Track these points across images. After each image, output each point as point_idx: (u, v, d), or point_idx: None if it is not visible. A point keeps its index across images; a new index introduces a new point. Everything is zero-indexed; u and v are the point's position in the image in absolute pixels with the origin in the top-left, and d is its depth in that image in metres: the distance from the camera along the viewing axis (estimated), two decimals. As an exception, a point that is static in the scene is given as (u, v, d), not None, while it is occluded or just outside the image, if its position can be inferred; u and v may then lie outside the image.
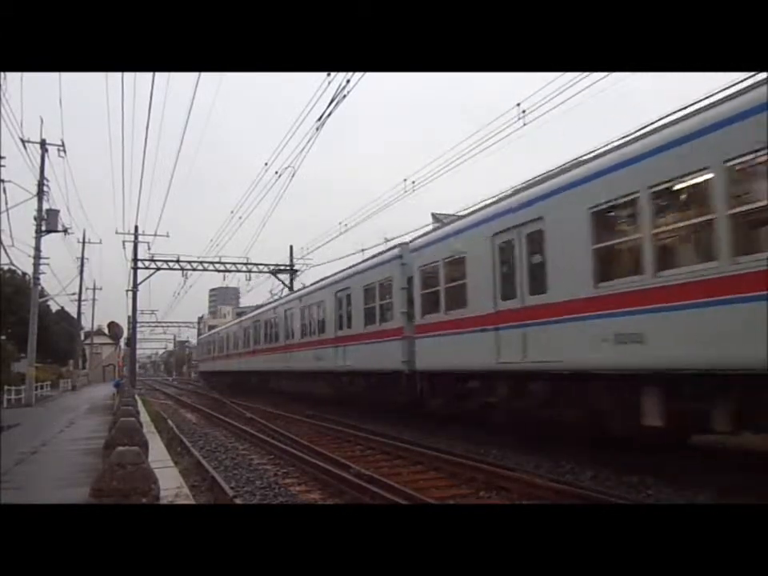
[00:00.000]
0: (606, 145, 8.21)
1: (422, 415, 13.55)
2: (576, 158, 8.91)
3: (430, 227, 14.37)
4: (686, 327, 6.49)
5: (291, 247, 37.38)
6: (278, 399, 23.47)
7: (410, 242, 13.43)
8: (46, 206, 23.44)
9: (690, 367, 6.43)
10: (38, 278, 24.20)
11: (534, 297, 9.09)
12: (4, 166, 19.75)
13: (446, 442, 10.91)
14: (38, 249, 23.80)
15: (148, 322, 67.60)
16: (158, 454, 7.93)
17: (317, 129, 14.62)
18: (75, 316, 42.47)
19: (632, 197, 7.26)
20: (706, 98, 6.92)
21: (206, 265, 35.46)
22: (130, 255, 35.55)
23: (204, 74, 15.60)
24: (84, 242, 38.88)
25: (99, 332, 60.96)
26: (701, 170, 6.52)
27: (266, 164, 20.50)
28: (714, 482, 6.69)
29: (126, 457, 2.64)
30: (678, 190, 7.00)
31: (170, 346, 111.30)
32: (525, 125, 12.98)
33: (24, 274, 29.43)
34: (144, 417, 13.30)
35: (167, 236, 39.17)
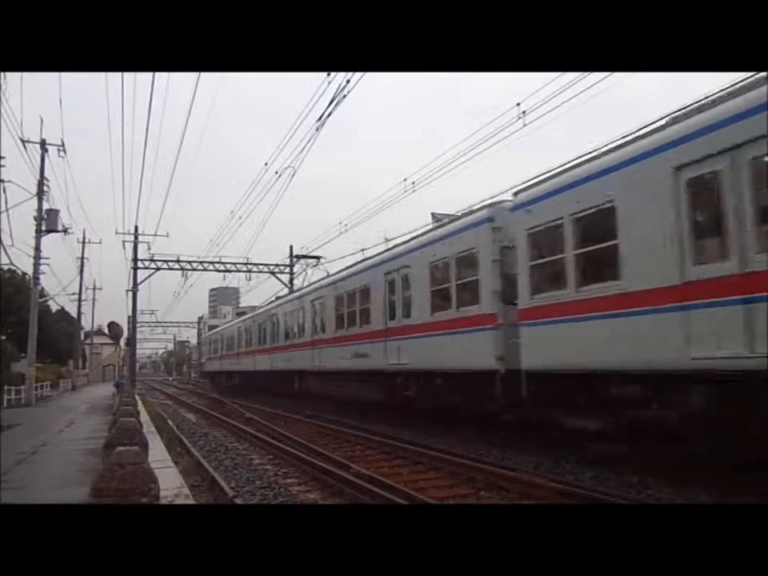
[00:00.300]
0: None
1: (528, 428, 10.16)
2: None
3: (430, 227, 13.93)
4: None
5: (291, 247, 37.38)
6: (291, 401, 23.38)
7: (511, 197, 10.02)
8: (46, 205, 23.45)
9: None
10: (38, 278, 24.20)
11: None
12: (4, 166, 19.75)
13: (446, 442, 10.91)
14: (38, 249, 23.79)
15: (148, 322, 67.74)
16: (158, 454, 7.93)
17: (317, 129, 14.64)
18: (75, 316, 42.48)
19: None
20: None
21: (205, 265, 35.47)
22: (130, 255, 35.60)
23: (204, 74, 15.63)
24: (84, 242, 38.91)
25: (99, 332, 61.02)
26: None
27: (266, 164, 20.51)
28: (714, 482, 6.69)
29: (125, 457, 2.64)
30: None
31: (170, 346, 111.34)
32: (525, 125, 12.97)
33: (24, 273, 29.43)
34: (144, 417, 13.29)
35: (167, 236, 39.27)
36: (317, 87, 15.13)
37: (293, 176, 19.47)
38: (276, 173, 20.00)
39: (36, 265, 23.84)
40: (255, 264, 36.41)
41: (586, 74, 10.68)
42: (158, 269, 34.84)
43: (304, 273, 27.38)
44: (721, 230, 6.43)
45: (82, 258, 39.06)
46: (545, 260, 9.00)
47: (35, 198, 22.97)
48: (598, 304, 7.89)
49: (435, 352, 11.74)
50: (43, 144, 23.30)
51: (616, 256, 7.67)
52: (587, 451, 8.65)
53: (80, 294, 39.79)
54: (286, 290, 33.62)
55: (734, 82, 6.63)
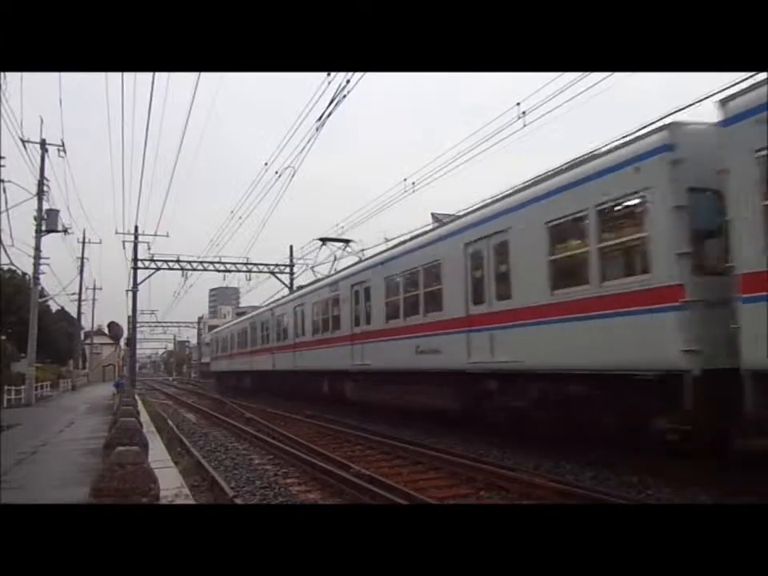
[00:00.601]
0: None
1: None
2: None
3: (430, 227, 13.87)
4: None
5: (291, 247, 37.41)
6: (291, 401, 23.29)
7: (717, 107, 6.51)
8: (46, 205, 23.45)
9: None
10: (38, 278, 24.20)
11: None
12: (4, 166, 19.75)
13: (446, 442, 10.91)
14: (38, 249, 23.80)
15: (148, 322, 67.79)
16: (157, 454, 7.93)
17: (317, 129, 14.63)
18: (75, 316, 42.49)
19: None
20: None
21: (205, 265, 35.49)
22: (130, 255, 35.57)
23: (204, 74, 15.64)
24: (84, 242, 38.90)
25: (99, 332, 61.04)
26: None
27: (266, 164, 20.50)
28: (714, 482, 6.69)
29: (125, 457, 2.64)
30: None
31: (170, 346, 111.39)
32: (525, 125, 12.95)
33: (24, 273, 29.43)
34: (144, 417, 13.29)
35: (167, 236, 39.23)
36: (317, 87, 15.11)
37: (293, 176, 19.48)
38: (276, 173, 20.01)
39: (36, 265, 23.84)
40: (255, 264, 36.46)
41: (585, 73, 10.68)
42: (157, 269, 34.85)
43: (333, 258, 22.51)
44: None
45: (82, 258, 39.11)
46: None
47: (35, 198, 23.00)
48: None
49: (560, 345, 8.35)
50: (43, 144, 23.31)
51: None
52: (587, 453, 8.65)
53: (80, 294, 39.84)
54: (292, 289, 33.63)
55: (734, 82, 6.63)
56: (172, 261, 34.84)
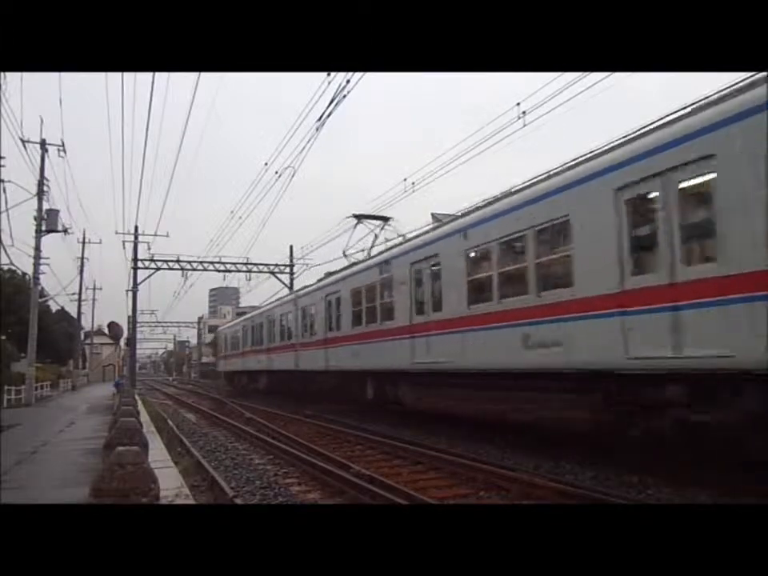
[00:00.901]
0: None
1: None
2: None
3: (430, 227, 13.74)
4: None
5: (291, 247, 37.42)
6: (290, 401, 23.26)
7: None
8: (46, 205, 23.46)
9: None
10: (38, 278, 24.21)
11: None
12: (4, 166, 19.76)
13: (446, 442, 10.91)
14: (38, 249, 23.80)
15: (148, 322, 67.78)
16: (157, 454, 7.93)
17: (317, 129, 14.63)
18: (75, 316, 42.50)
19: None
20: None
21: (205, 265, 35.49)
22: (130, 255, 35.59)
23: (204, 74, 15.63)
24: (84, 242, 38.93)
25: (99, 332, 61.03)
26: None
27: (266, 164, 20.50)
28: (714, 482, 6.69)
29: (125, 457, 2.64)
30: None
31: (170, 346, 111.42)
32: (525, 125, 12.94)
33: (24, 273, 29.44)
34: (144, 417, 13.30)
35: (167, 236, 39.19)
36: (317, 87, 15.09)
37: (293, 176, 19.46)
38: (276, 173, 20.00)
39: (36, 265, 23.85)
40: (255, 264, 36.47)
41: (586, 73, 10.68)
42: (158, 269, 34.85)
43: (373, 235, 18.42)
44: None
45: (82, 258, 39.12)
46: None
47: (35, 198, 23.01)
48: None
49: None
50: (43, 144, 23.32)
51: None
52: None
53: (80, 294, 39.86)
54: (292, 289, 33.59)
55: (734, 82, 6.63)
56: (172, 261, 34.86)
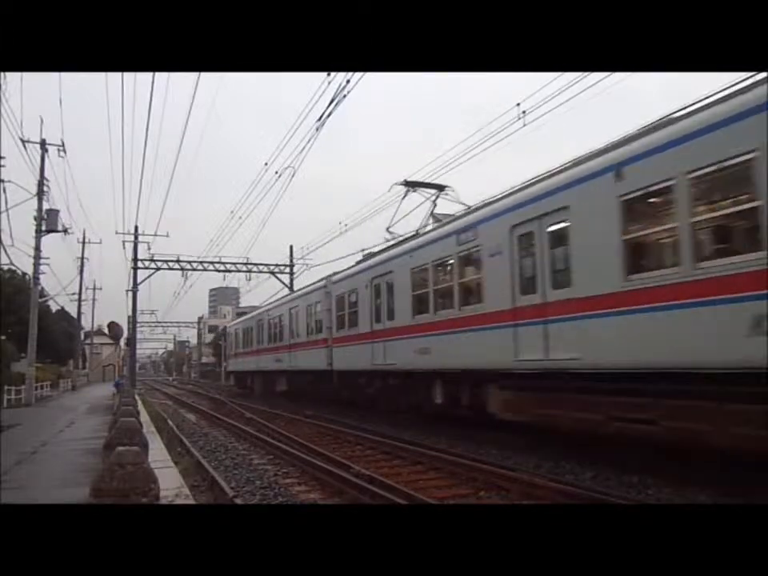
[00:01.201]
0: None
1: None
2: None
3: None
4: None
5: (291, 247, 37.43)
6: (279, 401, 23.20)
7: None
8: (46, 205, 23.45)
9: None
10: (38, 278, 24.20)
11: None
12: (4, 166, 19.75)
13: (446, 442, 10.91)
14: (38, 249, 23.80)
15: (148, 322, 67.79)
16: (157, 454, 7.93)
17: (317, 129, 14.63)
18: (75, 316, 42.49)
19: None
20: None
21: (205, 265, 35.50)
22: (130, 255, 35.60)
23: (204, 74, 15.65)
24: (84, 242, 38.91)
25: (99, 332, 61.04)
26: None
27: (266, 164, 20.51)
28: (714, 482, 6.69)
29: (125, 457, 2.64)
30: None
31: (170, 346, 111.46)
32: (525, 125, 12.94)
33: (24, 273, 29.45)
34: (144, 417, 13.30)
35: (167, 236, 39.22)
36: (317, 87, 15.09)
37: (293, 176, 19.49)
38: (276, 173, 20.02)
39: (36, 265, 23.84)
40: (255, 264, 36.48)
41: (586, 73, 10.68)
42: (157, 269, 34.86)
43: (432, 205, 14.58)
44: None
45: (82, 258, 39.11)
46: None
47: (35, 198, 23.00)
48: None
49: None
50: (43, 144, 23.31)
51: None
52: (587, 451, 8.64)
53: (80, 294, 39.85)
54: (292, 289, 33.56)
55: (734, 82, 6.62)
56: (172, 261, 34.87)
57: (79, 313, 41.72)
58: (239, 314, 41.07)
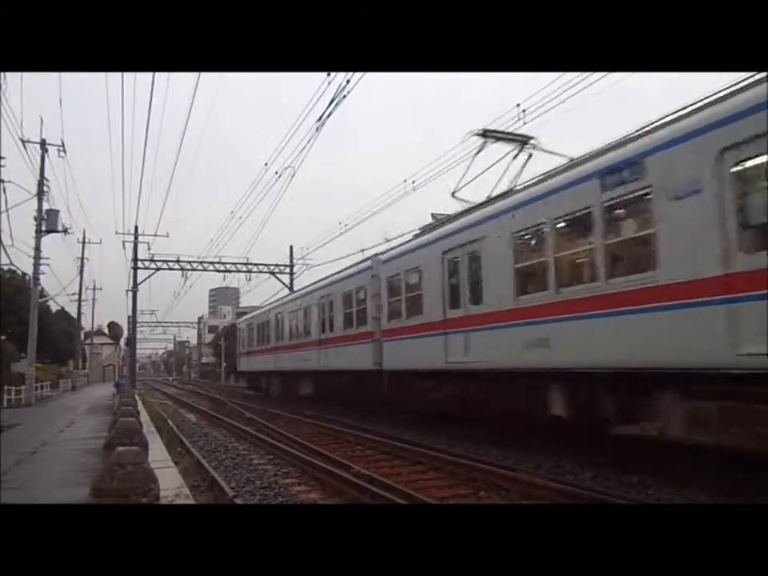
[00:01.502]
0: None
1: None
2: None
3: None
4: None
5: (291, 247, 37.43)
6: (277, 401, 23.13)
7: None
8: (46, 206, 23.46)
9: None
10: (38, 278, 24.21)
11: None
12: (4, 166, 19.75)
13: (446, 442, 10.91)
14: (38, 249, 23.80)
15: (148, 322, 67.80)
16: (157, 454, 7.93)
17: (317, 129, 14.63)
18: (75, 316, 42.49)
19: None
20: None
21: (205, 265, 35.52)
22: (130, 255, 35.60)
23: (204, 74, 15.65)
24: (84, 242, 38.93)
25: (99, 332, 61.07)
26: None
27: (266, 164, 20.53)
28: (714, 482, 6.69)
29: (125, 457, 2.64)
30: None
31: (170, 346, 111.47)
32: (525, 124, 12.91)
33: (24, 274, 29.45)
34: (144, 417, 13.30)
35: (167, 236, 39.24)
36: (317, 87, 15.09)
37: (293, 176, 19.50)
38: (276, 173, 20.04)
39: (36, 265, 23.85)
40: (255, 264, 36.49)
41: (585, 73, 10.68)
42: (157, 269, 34.88)
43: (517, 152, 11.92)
44: None
45: (82, 258, 39.12)
46: None
47: (35, 198, 23.01)
48: None
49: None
50: (43, 144, 23.31)
51: None
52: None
53: (80, 294, 39.86)
54: (292, 289, 33.53)
55: (734, 82, 6.62)
56: (172, 261, 34.89)
57: (79, 313, 41.78)
58: (239, 314, 40.86)
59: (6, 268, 27.59)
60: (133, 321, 37.61)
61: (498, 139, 12.41)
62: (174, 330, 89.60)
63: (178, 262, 34.88)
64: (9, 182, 20.19)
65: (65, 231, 25.81)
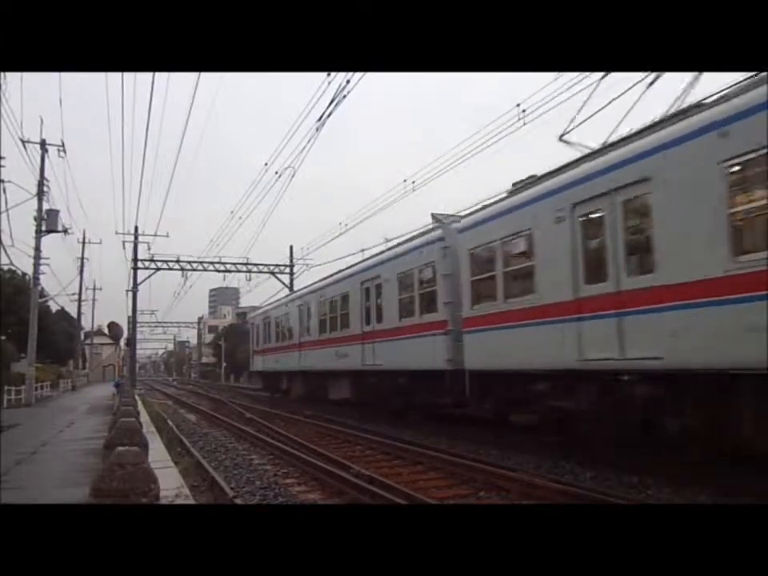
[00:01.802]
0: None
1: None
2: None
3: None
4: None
5: (291, 247, 37.45)
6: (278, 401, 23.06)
7: None
8: (46, 206, 23.45)
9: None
10: (38, 278, 24.20)
11: None
12: (4, 166, 19.75)
13: (446, 442, 10.91)
14: (38, 249, 23.79)
15: (148, 322, 67.76)
16: (157, 454, 7.93)
17: (317, 129, 14.64)
18: (75, 316, 42.50)
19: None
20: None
21: (205, 265, 35.55)
22: (130, 255, 35.65)
23: (204, 74, 15.65)
24: (84, 242, 38.93)
25: (99, 332, 61.09)
26: None
27: (266, 164, 20.54)
28: (714, 482, 6.69)
29: (125, 457, 2.63)
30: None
31: (170, 347, 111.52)
32: (525, 124, 12.92)
33: (24, 274, 29.45)
34: (144, 417, 13.29)
35: (167, 236, 39.26)
36: (317, 87, 15.08)
37: (293, 176, 19.52)
38: (276, 173, 20.05)
39: (36, 265, 23.84)
40: (255, 264, 36.52)
41: (585, 74, 10.67)
42: (157, 269, 34.91)
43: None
44: None
45: (82, 258, 39.13)
46: None
47: (35, 198, 23.00)
48: None
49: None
50: (43, 144, 23.31)
51: None
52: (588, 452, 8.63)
53: (80, 294, 39.88)
54: (292, 289, 33.49)
55: (734, 82, 6.62)
56: (172, 261, 34.93)
57: (79, 313, 41.80)
58: (239, 315, 40.76)
59: (6, 268, 27.63)
60: (133, 321, 37.65)
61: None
62: (174, 330, 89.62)
63: (178, 261, 34.92)
64: (9, 181, 20.21)
65: (65, 231, 25.83)
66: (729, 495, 6.28)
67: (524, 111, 12.90)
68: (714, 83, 6.90)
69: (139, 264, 34.47)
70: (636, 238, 7.71)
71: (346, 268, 17.86)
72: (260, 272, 36.98)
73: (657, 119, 8.00)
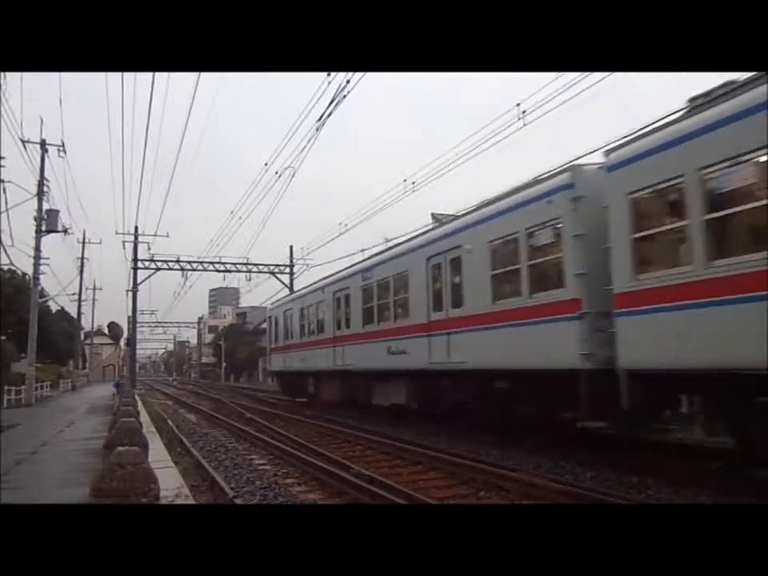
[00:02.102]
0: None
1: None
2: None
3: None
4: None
5: (291, 247, 37.44)
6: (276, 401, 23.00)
7: None
8: (46, 206, 23.45)
9: None
10: (38, 278, 24.20)
11: None
12: (4, 166, 19.73)
13: (446, 442, 10.91)
14: (38, 249, 23.79)
15: (148, 322, 67.76)
16: (158, 454, 7.92)
17: (317, 129, 14.65)
18: (75, 316, 42.50)
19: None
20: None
21: (205, 265, 35.55)
22: (130, 255, 35.64)
23: (204, 74, 15.65)
24: (84, 242, 38.93)
25: (99, 332, 61.08)
26: None
27: (266, 164, 20.56)
28: (714, 482, 6.69)
29: (125, 457, 2.63)
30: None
31: (170, 347, 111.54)
32: (525, 125, 12.94)
33: (24, 274, 29.44)
34: (144, 417, 13.29)
35: (167, 236, 39.25)
36: (317, 87, 15.07)
37: (293, 176, 19.54)
38: (276, 173, 20.06)
39: (36, 265, 23.84)
40: (255, 264, 36.51)
41: (586, 73, 10.68)
42: (157, 269, 34.91)
43: None
44: None
45: (82, 258, 39.12)
46: None
47: (35, 198, 23.00)
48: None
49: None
50: (43, 144, 23.31)
51: None
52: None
53: (80, 294, 39.87)
54: (292, 289, 33.47)
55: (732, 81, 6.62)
56: (172, 261, 34.93)
57: (79, 313, 41.79)
58: (239, 314, 40.74)
59: (6, 268, 27.61)
60: (133, 321, 37.65)
61: None
62: (174, 330, 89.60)
63: (178, 262, 34.92)
64: (9, 181, 20.19)
65: (65, 231, 25.83)
66: (729, 495, 6.28)
67: (524, 112, 12.91)
68: (713, 83, 6.88)
69: (139, 264, 34.48)
70: (455, 282, 11.77)
71: (400, 243, 14.63)
72: (260, 272, 37.01)
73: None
